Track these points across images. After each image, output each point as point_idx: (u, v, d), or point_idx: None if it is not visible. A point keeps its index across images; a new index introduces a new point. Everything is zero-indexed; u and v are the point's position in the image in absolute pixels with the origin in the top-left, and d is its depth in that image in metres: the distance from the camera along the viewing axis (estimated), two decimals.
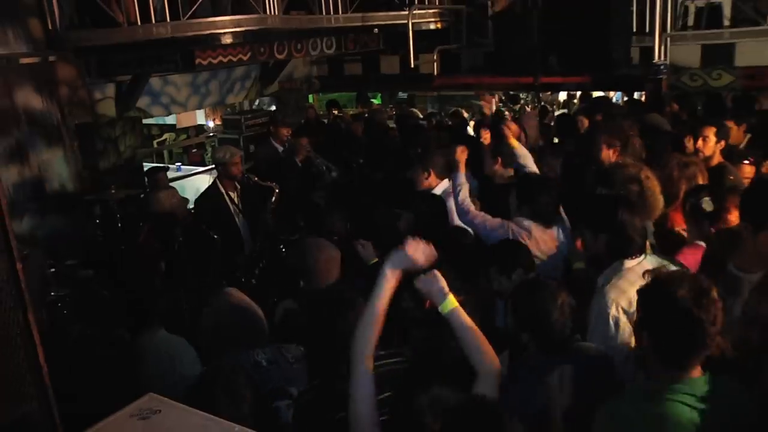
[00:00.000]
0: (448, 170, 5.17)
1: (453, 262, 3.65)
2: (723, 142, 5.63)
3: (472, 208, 4.64)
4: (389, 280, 2.56)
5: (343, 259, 3.90)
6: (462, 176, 4.79)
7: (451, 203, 4.84)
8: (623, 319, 3.23)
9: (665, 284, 2.44)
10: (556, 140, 8.04)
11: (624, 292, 3.27)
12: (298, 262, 3.77)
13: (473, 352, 2.63)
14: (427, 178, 5.37)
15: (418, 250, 2.59)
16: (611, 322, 3.26)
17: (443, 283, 2.67)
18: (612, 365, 3.01)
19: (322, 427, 2.69)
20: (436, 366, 2.83)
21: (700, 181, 4.61)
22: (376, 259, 4.15)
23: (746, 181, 5.53)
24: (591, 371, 2.89)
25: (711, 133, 5.55)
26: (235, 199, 6.67)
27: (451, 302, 2.65)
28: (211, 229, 6.40)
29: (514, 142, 5.28)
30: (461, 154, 4.87)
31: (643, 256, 3.45)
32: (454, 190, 4.75)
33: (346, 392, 2.49)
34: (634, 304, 2.67)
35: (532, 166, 5.17)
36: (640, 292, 2.55)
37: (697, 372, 2.43)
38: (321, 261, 3.77)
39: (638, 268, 3.31)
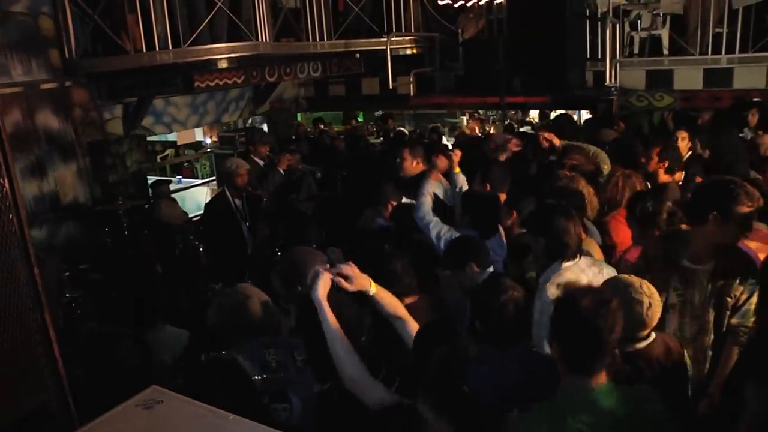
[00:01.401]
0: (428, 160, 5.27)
1: (419, 267, 3.72)
2: (666, 163, 5.60)
3: (428, 214, 4.54)
4: (323, 303, 2.52)
5: None
6: (428, 185, 4.64)
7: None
8: None
9: (571, 296, 2.45)
10: None
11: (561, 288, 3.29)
12: (292, 269, 3.53)
13: (396, 319, 2.71)
14: (411, 164, 5.47)
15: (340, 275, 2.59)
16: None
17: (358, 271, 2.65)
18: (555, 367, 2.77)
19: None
20: None
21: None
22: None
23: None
24: (533, 367, 2.85)
25: (655, 153, 5.51)
26: (240, 206, 6.71)
27: (374, 284, 2.66)
28: (218, 231, 6.46)
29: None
30: (440, 162, 4.94)
31: (578, 258, 3.47)
32: (418, 197, 4.65)
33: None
34: None
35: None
36: (555, 303, 2.56)
37: (601, 378, 2.40)
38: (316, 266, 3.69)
39: (575, 268, 3.41)
